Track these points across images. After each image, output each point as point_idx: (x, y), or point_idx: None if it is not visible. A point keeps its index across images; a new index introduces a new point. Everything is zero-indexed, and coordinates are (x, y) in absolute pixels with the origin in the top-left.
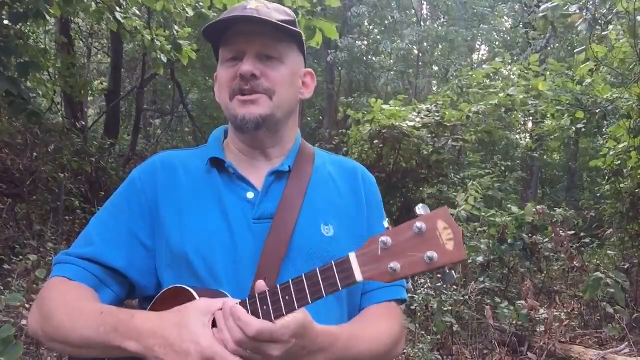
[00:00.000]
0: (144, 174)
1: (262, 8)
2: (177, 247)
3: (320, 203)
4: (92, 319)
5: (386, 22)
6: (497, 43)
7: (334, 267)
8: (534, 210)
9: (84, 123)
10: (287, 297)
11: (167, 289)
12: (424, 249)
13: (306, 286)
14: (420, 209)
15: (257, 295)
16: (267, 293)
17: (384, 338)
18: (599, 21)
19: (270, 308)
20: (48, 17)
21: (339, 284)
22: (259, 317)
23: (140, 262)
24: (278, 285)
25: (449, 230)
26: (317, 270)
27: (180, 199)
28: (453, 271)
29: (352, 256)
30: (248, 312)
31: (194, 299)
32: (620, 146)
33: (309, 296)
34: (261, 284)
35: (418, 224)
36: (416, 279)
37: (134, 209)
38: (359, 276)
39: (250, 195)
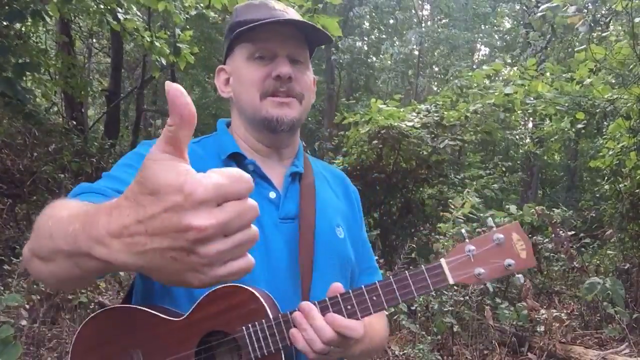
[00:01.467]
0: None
1: (290, 11)
2: None
3: (327, 206)
4: (66, 221)
5: (386, 22)
6: (497, 43)
7: (425, 272)
8: (532, 210)
9: (83, 124)
10: (374, 298)
11: (215, 290)
12: (504, 257)
13: (395, 288)
14: (490, 222)
15: (337, 296)
16: (351, 294)
17: (383, 330)
18: (599, 22)
19: (357, 307)
20: (48, 18)
21: (431, 287)
22: (344, 317)
23: None
24: (363, 287)
25: (522, 242)
26: (407, 274)
27: None
28: (520, 275)
29: (443, 262)
30: (330, 311)
31: (254, 296)
32: (619, 146)
33: (399, 297)
34: (338, 286)
35: (497, 235)
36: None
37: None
38: (450, 279)
39: (272, 195)
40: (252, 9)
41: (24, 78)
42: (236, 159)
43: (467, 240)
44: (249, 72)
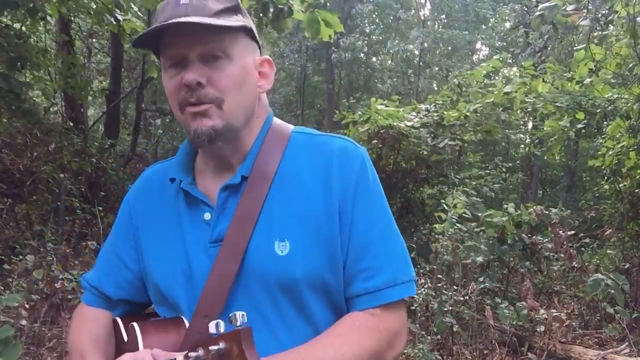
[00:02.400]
0: (132, 195)
1: (198, 1)
2: (149, 276)
3: (278, 215)
4: None
5: (386, 21)
6: (497, 44)
7: None
8: (530, 210)
9: (83, 124)
10: None
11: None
12: None
13: None
14: (239, 318)
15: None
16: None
17: (348, 357)
18: (600, 21)
19: None
20: (48, 18)
21: None
22: None
23: (129, 284)
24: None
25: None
26: None
27: (152, 225)
28: None
29: None
30: None
31: (136, 337)
32: (618, 145)
33: None
34: (156, 354)
35: (220, 344)
36: (417, 279)
37: (121, 233)
38: None
39: (207, 216)
40: (162, 10)
41: (24, 75)
42: (174, 181)
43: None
44: (166, 84)
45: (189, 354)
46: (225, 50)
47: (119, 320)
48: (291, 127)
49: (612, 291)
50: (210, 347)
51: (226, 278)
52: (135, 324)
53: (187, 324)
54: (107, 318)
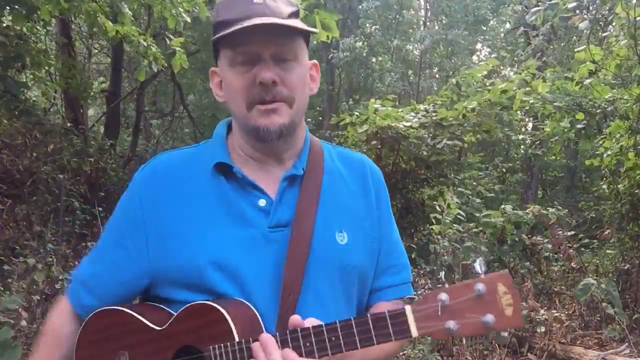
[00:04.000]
0: (144, 185)
1: (270, 1)
2: (186, 264)
3: (333, 208)
4: None
5: (386, 23)
6: (497, 44)
7: (388, 318)
8: (527, 210)
9: (84, 124)
10: (333, 339)
11: (191, 305)
12: (483, 312)
13: (355, 331)
14: (478, 265)
15: (298, 331)
16: (311, 330)
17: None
18: (599, 22)
19: (314, 346)
20: (47, 18)
21: (392, 336)
22: (301, 354)
23: (128, 288)
24: (323, 325)
25: (509, 295)
26: (369, 316)
27: (185, 211)
28: (506, 333)
29: (408, 310)
30: (289, 347)
31: (224, 318)
32: (617, 146)
33: (358, 342)
34: (297, 320)
35: (479, 286)
36: (416, 279)
37: (130, 226)
38: (414, 331)
39: (262, 202)
40: (230, 5)
41: (24, 75)
42: (224, 168)
43: (446, 285)
44: (234, 80)
45: (439, 296)
46: (295, 52)
47: (127, 310)
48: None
49: (609, 294)
50: (466, 290)
51: (300, 261)
52: (213, 303)
53: (248, 304)
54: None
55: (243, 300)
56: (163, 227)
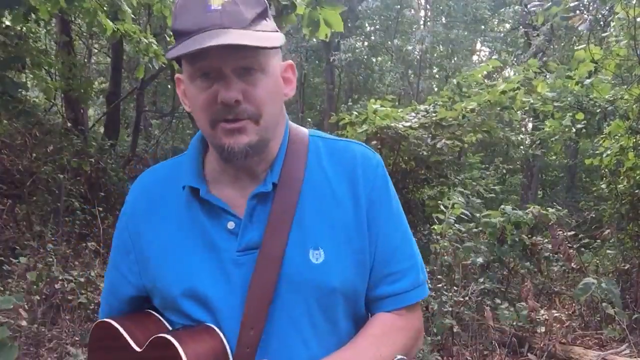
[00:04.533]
0: (130, 207)
1: (230, 5)
2: (163, 291)
3: (310, 222)
4: None
5: (386, 23)
6: (497, 45)
7: None
8: (527, 210)
9: (84, 124)
10: None
11: (157, 336)
12: None
13: None
14: None
15: None
16: None
17: (385, 357)
18: (600, 22)
19: None
20: (47, 18)
21: None
22: None
23: (129, 302)
24: None
25: None
26: None
27: (161, 236)
28: None
29: None
30: None
31: (179, 356)
32: (617, 145)
33: None
34: None
35: None
36: None
37: (120, 249)
38: None
39: (230, 225)
40: (185, 11)
41: (25, 75)
42: (194, 190)
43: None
44: (195, 96)
45: None
46: (260, 63)
47: (113, 322)
48: (306, 130)
49: (609, 294)
50: None
51: (267, 288)
52: (167, 336)
53: (219, 332)
54: None
55: (217, 332)
56: (144, 251)
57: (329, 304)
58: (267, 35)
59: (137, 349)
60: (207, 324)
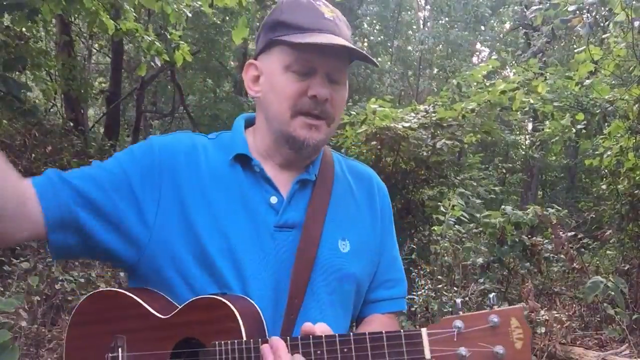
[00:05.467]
0: (165, 147)
1: (339, 21)
2: (201, 241)
3: (340, 216)
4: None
5: (385, 23)
6: (497, 45)
7: (403, 338)
8: (527, 211)
9: (84, 124)
10: (345, 350)
11: (200, 298)
12: (494, 342)
13: (369, 346)
14: (493, 299)
15: (310, 338)
16: (323, 339)
17: None
18: (600, 23)
19: (325, 355)
20: (47, 19)
21: (405, 355)
22: None
23: (126, 227)
24: (337, 335)
25: (520, 330)
26: (384, 334)
27: (203, 187)
28: None
29: (424, 332)
30: (299, 353)
31: (233, 315)
32: (617, 146)
33: (370, 357)
34: (309, 327)
35: (493, 317)
36: (416, 280)
37: (145, 179)
38: (427, 354)
39: (273, 199)
40: (299, 10)
41: (25, 75)
42: (243, 159)
43: (460, 312)
44: (285, 84)
45: (455, 323)
46: (344, 76)
47: (129, 293)
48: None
49: (612, 293)
50: (480, 319)
51: (307, 265)
52: (230, 304)
53: (252, 302)
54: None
55: (248, 299)
56: (177, 201)
57: (346, 291)
58: (366, 53)
59: (162, 316)
60: (239, 294)
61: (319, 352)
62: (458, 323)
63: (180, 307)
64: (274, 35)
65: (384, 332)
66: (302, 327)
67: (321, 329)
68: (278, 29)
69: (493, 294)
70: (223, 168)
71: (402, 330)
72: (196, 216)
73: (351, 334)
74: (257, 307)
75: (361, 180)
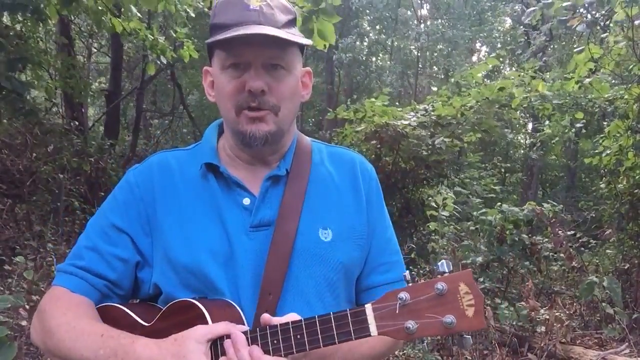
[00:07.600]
0: (141, 178)
1: (267, 8)
2: (176, 258)
3: (319, 206)
4: (93, 340)
5: (386, 23)
6: (497, 44)
7: (349, 317)
8: (524, 207)
9: (83, 124)
10: (298, 337)
11: (175, 302)
12: (443, 312)
13: (319, 329)
14: (442, 266)
15: (267, 328)
16: (278, 328)
17: (378, 346)
18: (599, 23)
19: (281, 344)
20: (55, 18)
21: (352, 335)
22: (268, 351)
23: (133, 272)
24: (290, 322)
25: (471, 296)
26: (332, 315)
27: (178, 206)
28: (469, 336)
29: (369, 308)
30: (258, 345)
31: (203, 315)
32: (616, 145)
33: (320, 340)
34: (266, 318)
35: (439, 285)
36: (416, 279)
37: (132, 218)
38: (373, 330)
39: (246, 201)
40: (227, 8)
41: (25, 75)
42: (213, 167)
43: (408, 281)
44: (223, 83)
45: (399, 295)
46: (286, 62)
47: (121, 306)
48: (308, 138)
49: (610, 292)
50: (426, 288)
51: (282, 260)
52: (194, 301)
53: (234, 305)
54: (96, 315)
55: (230, 302)
56: (158, 221)
57: (334, 279)
58: (297, 36)
59: (146, 324)
60: (223, 298)
61: (275, 341)
62: (403, 295)
63: (159, 314)
64: (210, 39)
65: (332, 313)
66: (260, 318)
67: (289, 318)
68: (212, 32)
69: (443, 260)
70: (196, 181)
71: (348, 310)
72: (170, 240)
73: (302, 319)
74: (238, 309)
75: (343, 166)
